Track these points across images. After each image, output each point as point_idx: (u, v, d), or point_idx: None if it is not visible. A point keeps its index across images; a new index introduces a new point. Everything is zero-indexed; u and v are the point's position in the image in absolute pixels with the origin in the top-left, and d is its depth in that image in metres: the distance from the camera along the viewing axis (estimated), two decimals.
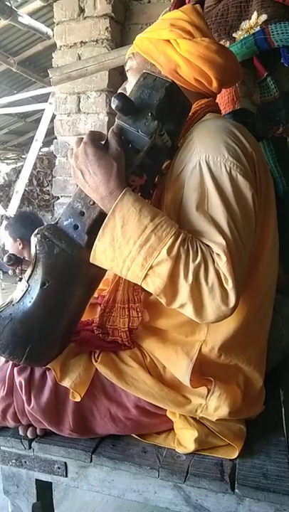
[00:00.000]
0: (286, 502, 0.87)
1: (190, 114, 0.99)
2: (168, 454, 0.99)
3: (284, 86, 1.34)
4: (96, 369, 0.99)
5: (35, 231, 0.92)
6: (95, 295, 1.11)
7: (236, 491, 0.89)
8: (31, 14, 3.91)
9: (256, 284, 0.97)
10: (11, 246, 2.62)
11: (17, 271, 0.98)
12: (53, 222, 0.96)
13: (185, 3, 1.50)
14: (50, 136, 5.09)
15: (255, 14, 1.34)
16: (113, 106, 0.86)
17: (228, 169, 0.85)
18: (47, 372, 1.00)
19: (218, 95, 1.21)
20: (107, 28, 2.60)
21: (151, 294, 0.86)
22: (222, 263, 0.79)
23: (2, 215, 5.15)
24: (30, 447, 1.03)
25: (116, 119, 0.91)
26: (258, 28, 1.32)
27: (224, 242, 0.80)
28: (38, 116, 6.46)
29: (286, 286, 1.33)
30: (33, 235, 0.92)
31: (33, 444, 1.03)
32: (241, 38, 1.36)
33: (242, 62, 1.33)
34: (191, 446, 0.96)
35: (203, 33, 1.00)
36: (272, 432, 1.06)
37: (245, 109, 1.34)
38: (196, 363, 0.94)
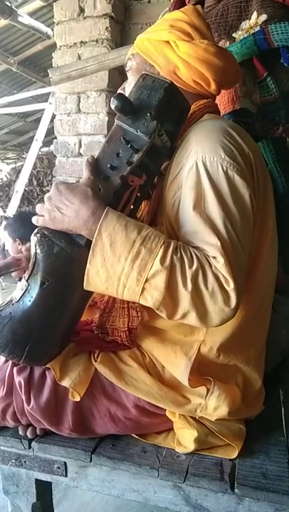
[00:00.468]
0: (286, 502, 0.87)
1: (188, 114, 0.99)
2: (168, 453, 0.99)
3: (284, 86, 1.34)
4: (95, 369, 0.99)
5: (35, 230, 0.92)
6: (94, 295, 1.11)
7: (236, 490, 0.89)
8: (31, 14, 3.91)
9: (255, 284, 0.97)
10: (11, 246, 2.62)
11: (13, 274, 0.99)
12: None
13: (185, 4, 1.50)
14: (50, 136, 5.09)
15: (255, 14, 1.34)
16: (112, 106, 0.87)
17: (224, 169, 0.85)
18: (46, 372, 1.00)
19: (217, 95, 1.22)
20: (107, 27, 2.60)
21: None
22: (220, 265, 0.79)
23: (1, 216, 5.16)
24: (29, 447, 1.03)
25: (115, 120, 0.91)
26: (257, 28, 1.32)
27: (218, 243, 0.80)
28: (38, 116, 6.46)
29: (285, 286, 1.33)
30: (32, 234, 0.92)
31: (33, 443, 1.03)
32: (241, 38, 1.36)
33: (242, 62, 1.33)
34: (190, 446, 0.96)
35: (202, 34, 1.00)
36: (272, 431, 1.06)
37: (245, 109, 1.34)
38: (194, 363, 0.94)
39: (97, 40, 2.64)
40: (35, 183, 7.32)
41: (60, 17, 2.72)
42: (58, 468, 1.03)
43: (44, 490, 1.11)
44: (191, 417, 0.97)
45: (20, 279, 0.97)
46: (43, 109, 4.70)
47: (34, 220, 0.91)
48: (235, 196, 0.85)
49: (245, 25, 1.37)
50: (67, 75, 2.51)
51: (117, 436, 1.04)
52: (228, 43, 1.40)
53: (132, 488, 0.98)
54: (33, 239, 0.91)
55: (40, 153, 6.33)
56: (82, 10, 2.66)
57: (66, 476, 1.03)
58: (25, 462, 1.05)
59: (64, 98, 2.79)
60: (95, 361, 0.99)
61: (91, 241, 0.85)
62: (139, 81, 0.92)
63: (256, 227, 0.92)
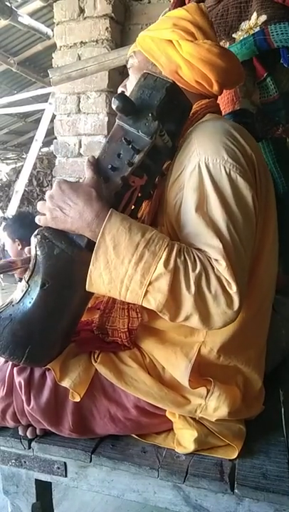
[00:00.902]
0: (286, 502, 0.87)
1: (190, 114, 0.99)
2: (167, 454, 0.99)
3: (284, 86, 1.34)
4: (96, 369, 0.99)
5: (35, 232, 0.92)
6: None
7: (236, 491, 0.89)
8: (31, 14, 3.91)
9: (256, 284, 0.97)
10: (10, 247, 2.61)
11: (15, 275, 0.99)
12: None
13: (185, 4, 1.50)
14: (50, 137, 5.08)
15: (254, 15, 1.34)
16: (113, 106, 0.86)
17: (227, 171, 0.85)
18: (46, 373, 1.00)
19: (220, 96, 1.22)
20: (107, 28, 2.60)
21: None
22: (222, 268, 0.79)
23: (1, 216, 5.16)
24: (29, 447, 1.03)
25: (116, 120, 0.91)
26: (257, 29, 1.32)
27: (221, 245, 0.80)
28: (38, 116, 6.46)
29: (285, 287, 1.33)
30: (33, 236, 0.92)
31: (33, 444, 1.03)
32: (241, 38, 1.36)
33: (241, 63, 1.33)
34: (190, 447, 0.96)
35: (206, 34, 0.99)
36: (272, 432, 1.06)
37: (245, 109, 1.34)
38: (194, 364, 0.94)
39: (97, 41, 2.64)
40: (35, 183, 7.33)
41: (60, 17, 2.72)
42: (58, 468, 1.03)
43: (44, 490, 1.11)
44: (191, 418, 0.97)
45: (20, 280, 0.97)
46: (43, 110, 4.69)
47: (36, 219, 0.91)
48: (237, 198, 0.85)
49: (245, 25, 1.37)
50: (67, 75, 2.51)
51: (117, 436, 1.04)
52: (228, 43, 1.40)
53: (131, 488, 0.98)
54: (34, 240, 0.91)
55: (40, 153, 6.34)
56: (82, 10, 2.66)
57: (66, 476, 1.03)
58: (25, 462, 1.05)
59: (64, 98, 2.79)
60: (95, 362, 0.99)
61: (92, 243, 0.85)
62: (141, 80, 0.92)
63: (258, 228, 0.92)
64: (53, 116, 2.95)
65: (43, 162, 7.44)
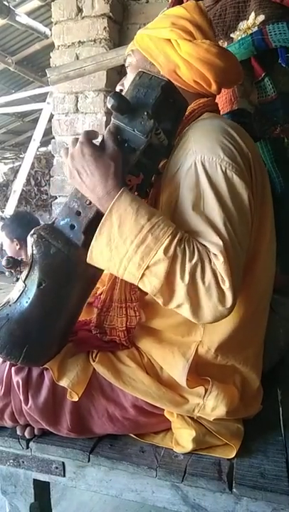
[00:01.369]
0: (283, 501, 0.87)
1: (187, 113, 0.99)
2: (166, 453, 0.99)
3: (282, 86, 1.34)
4: (94, 369, 0.99)
5: (32, 231, 0.92)
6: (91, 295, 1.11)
7: (234, 490, 0.89)
8: (29, 14, 3.90)
9: (253, 284, 0.97)
10: (8, 247, 2.62)
11: (14, 273, 0.98)
12: (49, 222, 0.96)
13: (182, 3, 1.50)
14: (48, 136, 5.09)
15: (252, 14, 1.34)
16: (109, 105, 0.86)
17: (223, 169, 0.85)
18: (44, 372, 0.99)
19: (218, 95, 1.21)
20: (105, 27, 2.61)
21: (147, 294, 0.86)
22: (219, 263, 0.79)
23: None
24: (27, 447, 1.03)
25: (112, 118, 0.91)
26: (255, 29, 1.32)
27: (221, 242, 0.80)
28: (35, 115, 6.45)
29: (284, 286, 1.33)
30: (29, 235, 0.92)
31: (31, 443, 1.03)
32: (239, 38, 1.36)
33: (240, 63, 1.33)
34: (188, 446, 0.96)
35: (204, 33, 0.99)
36: (270, 431, 1.06)
37: (243, 109, 1.34)
38: (192, 364, 0.94)
39: (95, 40, 2.64)
40: (33, 182, 7.32)
41: (58, 17, 2.72)
42: (56, 468, 1.02)
43: (42, 490, 1.11)
44: (189, 417, 0.97)
45: (17, 280, 0.97)
46: (41, 109, 4.69)
47: (64, 153, 0.90)
48: (234, 196, 0.85)
49: (243, 25, 1.37)
50: (65, 74, 2.51)
51: (115, 436, 1.04)
52: (226, 43, 1.40)
53: (130, 488, 0.98)
54: (30, 240, 0.91)
55: (38, 153, 6.32)
56: (80, 10, 2.66)
57: (64, 476, 1.03)
58: (23, 462, 1.05)
59: (62, 98, 2.79)
60: (93, 361, 0.99)
61: (88, 241, 0.85)
62: (136, 79, 0.92)
63: (254, 226, 0.92)
64: (51, 116, 2.95)
65: (41, 162, 7.42)
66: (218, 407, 0.94)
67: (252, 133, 1.23)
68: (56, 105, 2.82)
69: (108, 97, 0.86)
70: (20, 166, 5.58)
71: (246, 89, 1.36)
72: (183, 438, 0.97)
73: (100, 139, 0.91)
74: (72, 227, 0.91)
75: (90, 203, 0.89)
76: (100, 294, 1.07)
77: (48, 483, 1.12)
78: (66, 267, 0.91)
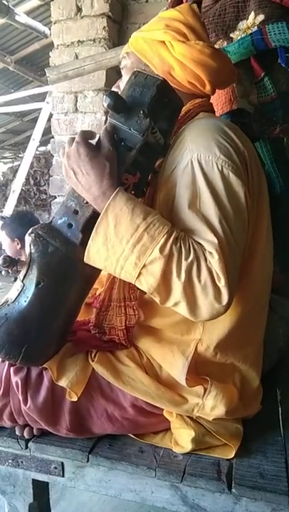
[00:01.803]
0: (283, 502, 0.87)
1: (183, 112, 0.99)
2: (165, 453, 0.99)
3: (281, 86, 1.34)
4: (93, 368, 0.99)
5: (30, 230, 0.92)
6: (89, 295, 1.11)
7: (233, 490, 0.89)
8: (28, 13, 3.90)
9: (250, 282, 0.97)
10: (9, 246, 2.61)
11: (11, 272, 0.98)
12: (47, 221, 0.96)
13: (182, 3, 1.50)
14: (47, 136, 5.08)
15: (252, 14, 1.34)
16: (105, 104, 0.87)
17: (219, 167, 0.85)
18: (43, 372, 0.99)
19: (215, 95, 1.22)
20: (104, 27, 2.60)
21: (146, 293, 0.87)
22: (214, 261, 0.80)
23: None
24: (26, 447, 1.03)
25: (108, 117, 0.91)
26: (255, 28, 1.32)
27: (216, 240, 0.81)
28: (35, 115, 6.45)
29: (282, 286, 1.33)
30: (27, 234, 0.92)
31: (30, 444, 1.03)
32: (238, 38, 1.36)
33: (239, 62, 1.34)
34: (188, 446, 0.96)
35: (198, 35, 0.99)
36: (269, 431, 1.06)
37: (243, 109, 1.34)
38: (191, 362, 0.94)
39: (94, 40, 2.64)
40: (32, 182, 7.31)
41: (57, 16, 2.72)
42: (55, 468, 1.02)
43: (41, 490, 1.11)
44: (189, 417, 0.97)
45: (15, 280, 0.97)
46: (40, 109, 4.69)
47: (61, 152, 0.91)
48: (230, 194, 0.85)
49: (242, 25, 1.37)
50: (65, 74, 2.51)
51: (115, 436, 1.04)
52: (225, 43, 1.40)
53: (129, 488, 0.98)
54: (28, 239, 0.91)
55: (37, 152, 6.32)
56: (79, 9, 2.66)
57: (63, 476, 1.03)
58: (22, 462, 1.05)
59: (61, 97, 2.78)
60: (92, 361, 0.99)
61: (86, 240, 0.85)
62: (132, 78, 0.92)
63: (250, 225, 0.92)
64: (50, 115, 2.95)
65: (40, 161, 7.42)
66: (217, 407, 0.94)
67: (251, 133, 1.24)
68: (55, 105, 2.82)
69: (104, 96, 0.86)
70: (19, 165, 5.57)
71: (246, 89, 1.36)
72: (182, 438, 0.97)
73: (97, 138, 0.91)
74: (69, 225, 0.92)
75: (88, 201, 0.89)
76: (99, 295, 1.07)
77: (47, 483, 1.11)
78: (64, 265, 0.91)
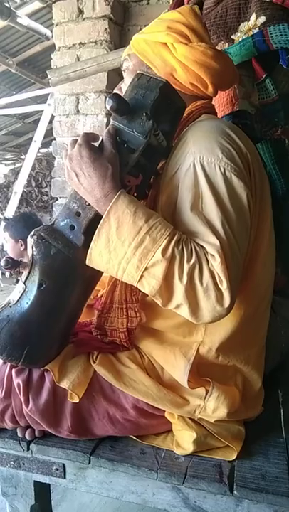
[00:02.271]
0: (285, 503, 0.87)
1: (185, 114, 0.99)
2: (166, 455, 0.98)
3: (282, 88, 1.34)
4: (94, 370, 0.99)
5: (32, 232, 0.92)
6: (91, 296, 1.11)
7: (235, 492, 0.89)
8: (30, 15, 3.91)
9: (253, 284, 0.97)
10: (12, 247, 2.61)
11: (13, 273, 0.98)
12: (49, 223, 0.96)
13: (184, 5, 1.50)
14: (48, 137, 5.09)
15: (253, 16, 1.34)
16: (108, 106, 0.87)
17: (222, 170, 0.85)
18: (45, 374, 0.99)
19: (216, 97, 1.22)
20: (105, 29, 2.61)
21: (147, 295, 0.87)
22: (216, 264, 0.79)
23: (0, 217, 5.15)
24: (28, 449, 1.03)
25: (111, 120, 0.91)
26: (256, 30, 1.33)
27: (218, 243, 0.81)
28: (36, 117, 6.46)
29: (284, 288, 1.33)
30: (29, 236, 0.92)
31: (32, 445, 1.03)
32: (240, 39, 1.36)
33: (240, 64, 1.34)
34: (189, 448, 0.95)
35: (200, 36, 0.99)
36: (271, 433, 1.06)
37: (244, 110, 1.34)
38: (193, 364, 0.94)
39: (96, 42, 2.64)
40: (33, 184, 7.32)
41: (59, 18, 2.72)
42: (57, 470, 1.02)
43: (43, 492, 1.11)
44: (190, 419, 0.96)
45: (17, 281, 0.97)
46: (42, 111, 4.70)
47: (64, 154, 0.91)
48: (232, 197, 0.85)
49: (244, 26, 1.37)
50: (66, 76, 2.52)
51: (116, 437, 1.03)
52: (226, 44, 1.40)
53: (130, 489, 0.98)
54: (30, 241, 0.91)
55: (38, 154, 6.33)
56: (81, 11, 2.66)
57: (65, 477, 1.03)
58: (23, 464, 1.05)
59: (63, 99, 2.79)
60: (94, 362, 0.99)
61: (88, 242, 0.86)
62: (134, 80, 0.92)
63: (253, 227, 0.92)
64: (52, 117, 2.95)
65: (42, 163, 7.43)
66: (219, 409, 0.93)
67: (253, 134, 1.24)
68: (57, 107, 2.82)
69: (107, 99, 0.86)
70: (21, 167, 5.58)
71: (247, 90, 1.36)
72: (184, 440, 0.97)
73: (100, 140, 0.91)
74: (72, 227, 0.92)
75: (90, 204, 0.89)
76: (101, 296, 1.07)
77: (49, 484, 1.11)
78: (66, 267, 0.91)
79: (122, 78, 1.10)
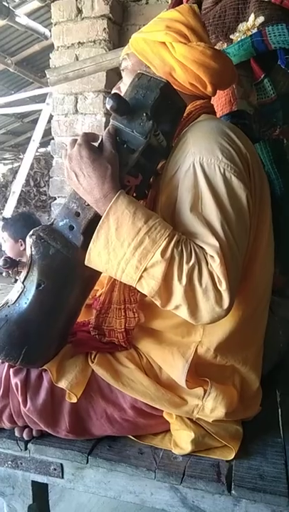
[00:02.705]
0: (282, 503, 0.87)
1: (185, 114, 0.99)
2: (164, 455, 0.99)
3: (281, 88, 1.34)
4: (92, 370, 0.99)
5: (31, 232, 0.92)
6: (90, 296, 1.11)
7: (233, 492, 0.89)
8: (29, 14, 3.90)
9: (251, 285, 0.97)
10: (12, 247, 2.61)
11: (11, 273, 0.98)
12: (48, 223, 0.96)
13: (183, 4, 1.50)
14: (47, 137, 5.08)
15: (252, 16, 1.34)
16: (108, 106, 0.86)
17: (222, 171, 0.85)
18: (43, 374, 0.99)
19: (215, 97, 1.22)
20: (104, 28, 2.61)
21: (146, 296, 0.87)
22: (215, 265, 0.79)
23: None
24: (26, 449, 1.03)
25: (110, 120, 0.91)
26: (255, 30, 1.33)
27: (217, 244, 0.80)
28: (35, 116, 6.45)
29: (283, 288, 1.33)
30: (28, 236, 0.92)
31: (29, 445, 1.03)
32: (238, 39, 1.36)
33: (239, 64, 1.34)
34: (187, 448, 0.96)
35: (199, 36, 0.99)
36: (269, 433, 1.06)
37: (243, 110, 1.34)
38: (191, 364, 0.94)
39: (94, 41, 2.64)
40: (32, 183, 7.31)
41: (57, 18, 2.72)
42: (55, 469, 1.02)
43: (40, 492, 1.11)
44: (188, 419, 0.96)
45: (16, 281, 0.97)
46: (41, 110, 4.70)
47: (63, 154, 0.91)
48: (232, 198, 0.85)
49: (242, 27, 1.37)
50: (65, 75, 2.51)
51: (114, 437, 1.03)
52: (225, 44, 1.40)
53: (128, 489, 0.98)
54: (29, 241, 0.91)
55: (37, 153, 6.32)
56: (79, 11, 2.66)
57: (62, 477, 1.03)
58: (21, 464, 1.04)
59: (61, 99, 2.79)
60: (92, 362, 0.99)
61: (88, 242, 0.85)
62: (135, 80, 0.92)
63: (252, 227, 0.92)
64: (51, 117, 2.95)
65: (40, 162, 7.42)
66: (217, 409, 0.93)
67: (251, 134, 1.24)
68: (56, 106, 2.82)
69: (107, 99, 0.86)
70: (19, 166, 5.58)
71: (246, 90, 1.36)
72: (182, 440, 0.97)
73: (99, 140, 0.91)
74: (71, 228, 0.92)
75: (89, 204, 0.89)
76: (99, 296, 1.07)
77: (47, 484, 1.11)
78: (65, 267, 0.91)
79: (120, 78, 1.10)
